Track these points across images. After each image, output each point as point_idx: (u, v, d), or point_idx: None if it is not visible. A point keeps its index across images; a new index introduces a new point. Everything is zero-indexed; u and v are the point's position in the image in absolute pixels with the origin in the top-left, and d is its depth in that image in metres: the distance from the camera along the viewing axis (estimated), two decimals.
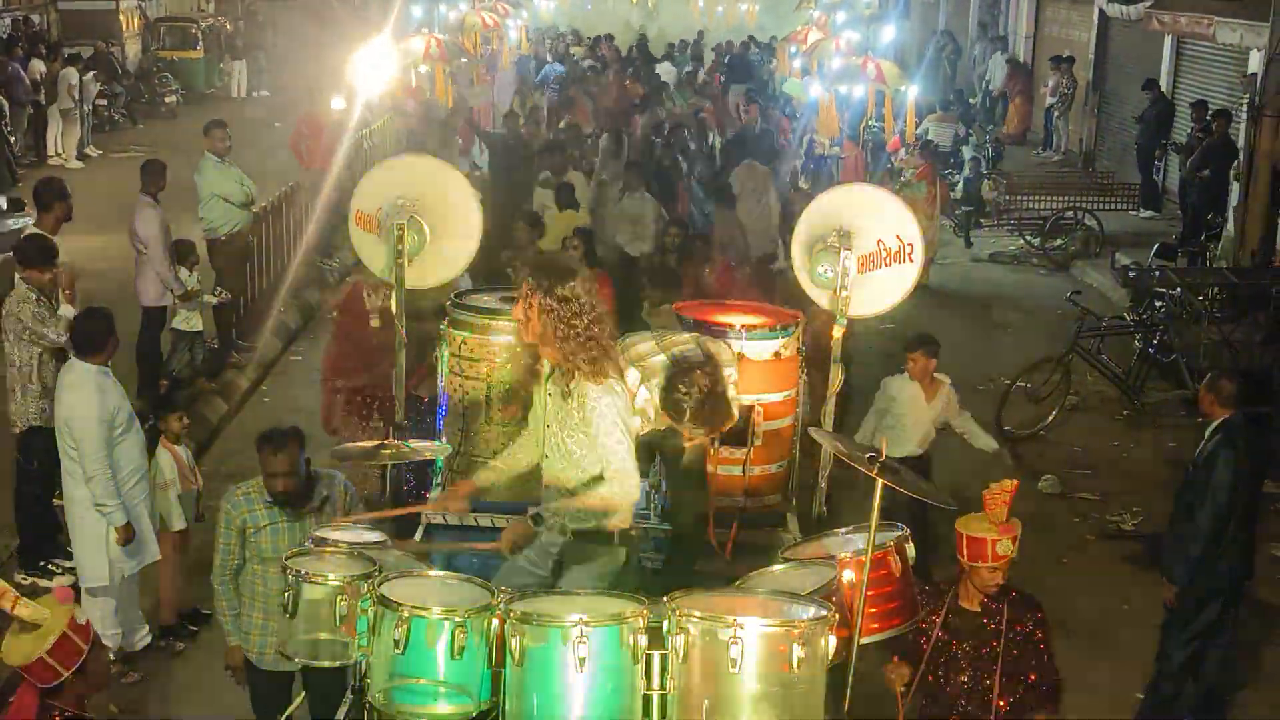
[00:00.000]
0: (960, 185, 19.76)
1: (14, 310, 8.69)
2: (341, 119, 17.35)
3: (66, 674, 5.00)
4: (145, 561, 7.91)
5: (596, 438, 5.53)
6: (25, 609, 4.98)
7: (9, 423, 8.75)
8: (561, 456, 5.68)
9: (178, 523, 8.31)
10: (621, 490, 5.57)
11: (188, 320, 12.20)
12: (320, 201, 15.98)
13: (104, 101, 26.74)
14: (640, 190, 13.63)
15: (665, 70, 26.12)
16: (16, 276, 8.89)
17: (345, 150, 17.30)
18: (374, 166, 8.67)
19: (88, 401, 7.52)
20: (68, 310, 8.78)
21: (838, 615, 4.97)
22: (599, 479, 5.57)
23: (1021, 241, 19.22)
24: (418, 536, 7.05)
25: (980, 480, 5.75)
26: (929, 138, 19.63)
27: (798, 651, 4.67)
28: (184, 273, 11.94)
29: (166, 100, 30.09)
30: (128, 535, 7.62)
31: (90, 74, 25.17)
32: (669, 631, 4.77)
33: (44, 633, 4.96)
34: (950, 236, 19.14)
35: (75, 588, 7.85)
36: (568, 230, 12.12)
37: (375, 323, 9.35)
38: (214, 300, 12.59)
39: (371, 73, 17.12)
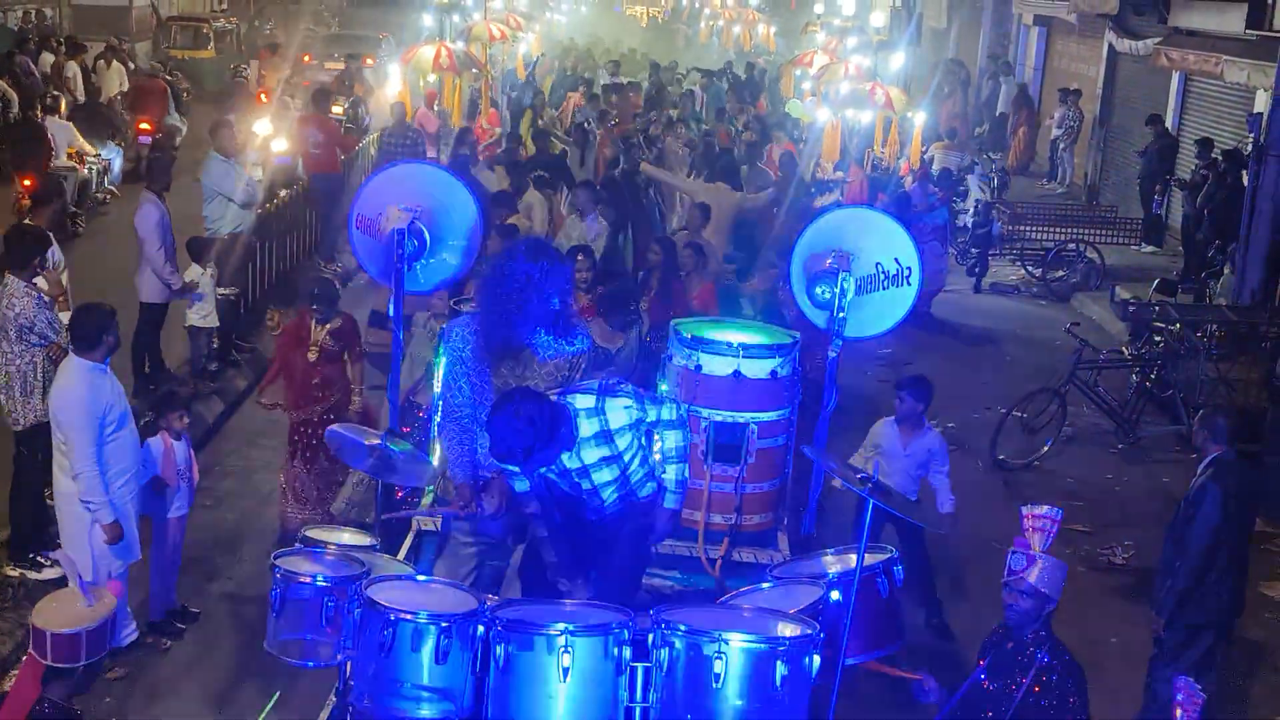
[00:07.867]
0: (970, 214, 19.71)
1: (9, 308, 8.54)
2: (346, 124, 17.37)
3: (81, 663, 5.01)
4: (130, 561, 7.87)
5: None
6: (98, 594, 5.05)
7: (11, 420, 8.70)
8: None
9: (170, 514, 8.30)
10: None
11: (205, 317, 12.17)
12: (324, 204, 16.03)
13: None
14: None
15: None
16: (7, 274, 8.73)
17: (353, 154, 17.32)
18: (376, 171, 8.66)
19: (79, 397, 7.44)
20: (65, 316, 8.75)
21: (823, 635, 4.98)
22: None
23: (1023, 272, 19.24)
24: (407, 544, 7.07)
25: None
26: (935, 166, 19.65)
27: (781, 669, 4.68)
28: (195, 270, 11.91)
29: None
30: (115, 533, 7.54)
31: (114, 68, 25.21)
32: (654, 644, 4.79)
33: (93, 613, 5.00)
34: (952, 264, 19.14)
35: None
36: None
37: (312, 355, 9.37)
38: (223, 293, 12.51)
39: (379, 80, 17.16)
